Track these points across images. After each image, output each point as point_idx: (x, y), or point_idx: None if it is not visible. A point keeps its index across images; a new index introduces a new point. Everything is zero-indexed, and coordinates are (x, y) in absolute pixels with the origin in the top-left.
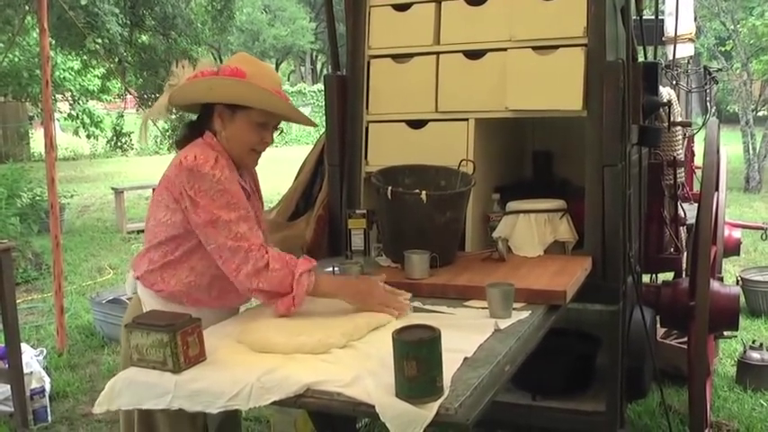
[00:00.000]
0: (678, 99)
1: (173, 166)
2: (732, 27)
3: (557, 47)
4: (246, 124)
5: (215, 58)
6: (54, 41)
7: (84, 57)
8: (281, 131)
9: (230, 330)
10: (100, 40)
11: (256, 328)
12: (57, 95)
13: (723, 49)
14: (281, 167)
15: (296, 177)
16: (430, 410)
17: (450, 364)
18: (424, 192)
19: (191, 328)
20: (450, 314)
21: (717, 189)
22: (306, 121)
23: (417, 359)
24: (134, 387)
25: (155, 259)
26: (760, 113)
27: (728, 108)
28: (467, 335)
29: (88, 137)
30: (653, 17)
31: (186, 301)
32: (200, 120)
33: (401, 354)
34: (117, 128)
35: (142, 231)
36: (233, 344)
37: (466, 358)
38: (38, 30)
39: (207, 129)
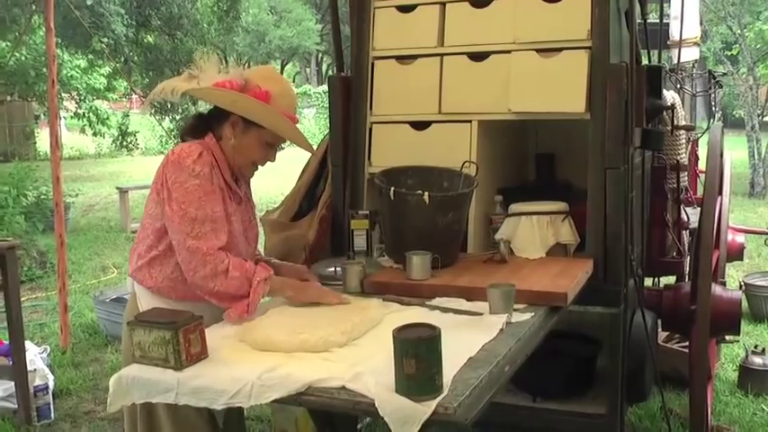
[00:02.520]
0: (683, 103)
1: (163, 160)
2: (739, 31)
3: (560, 49)
4: (257, 141)
5: (221, 60)
6: (60, 41)
7: (90, 56)
8: (283, 149)
9: (232, 329)
10: (105, 40)
11: (258, 326)
12: (63, 94)
13: (729, 54)
14: (284, 168)
15: (299, 178)
16: (429, 407)
17: (454, 364)
18: (426, 193)
19: (193, 326)
20: (479, 314)
21: (720, 193)
22: (308, 148)
23: (417, 357)
24: (139, 383)
25: (142, 254)
26: (766, 119)
27: (734, 113)
28: (473, 335)
29: (95, 134)
30: (658, 21)
31: (174, 296)
32: (211, 117)
33: (401, 352)
34: (122, 127)
35: None
36: (234, 342)
37: (470, 358)
38: (44, 29)
39: (212, 129)
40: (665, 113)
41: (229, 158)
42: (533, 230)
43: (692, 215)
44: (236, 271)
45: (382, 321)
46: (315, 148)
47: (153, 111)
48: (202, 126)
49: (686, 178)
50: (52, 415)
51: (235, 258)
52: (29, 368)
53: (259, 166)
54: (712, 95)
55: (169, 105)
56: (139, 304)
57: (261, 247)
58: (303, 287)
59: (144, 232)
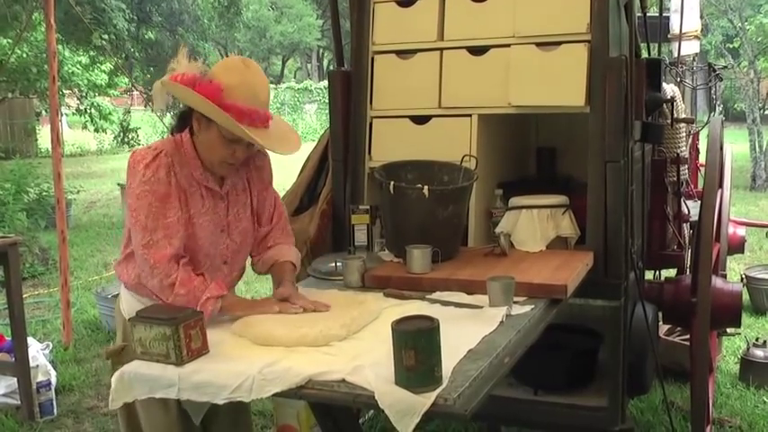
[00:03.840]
0: (683, 96)
1: None
2: (740, 24)
3: (560, 43)
4: (218, 137)
5: (221, 56)
6: (61, 37)
7: (92, 53)
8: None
9: (231, 325)
10: (107, 36)
11: (257, 321)
12: (64, 91)
13: (730, 47)
14: (285, 163)
15: (300, 173)
16: (428, 399)
17: (454, 356)
18: (426, 187)
19: (193, 321)
20: (479, 307)
21: (720, 186)
22: (278, 148)
23: (416, 349)
24: (141, 379)
25: (121, 250)
26: (767, 112)
27: (735, 106)
28: (473, 327)
29: (96, 130)
30: (658, 14)
31: (145, 293)
32: (188, 111)
33: (400, 344)
34: (124, 124)
35: None
36: (235, 337)
37: (470, 350)
38: (45, 25)
39: (190, 123)
40: (665, 106)
41: (201, 155)
42: (534, 224)
43: (692, 208)
44: (182, 288)
45: (382, 315)
46: (315, 143)
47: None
48: (183, 122)
49: (686, 171)
50: (55, 411)
51: (185, 273)
52: (31, 364)
53: (233, 164)
54: (712, 89)
55: (171, 101)
56: (120, 300)
57: None
58: (260, 304)
59: (124, 230)
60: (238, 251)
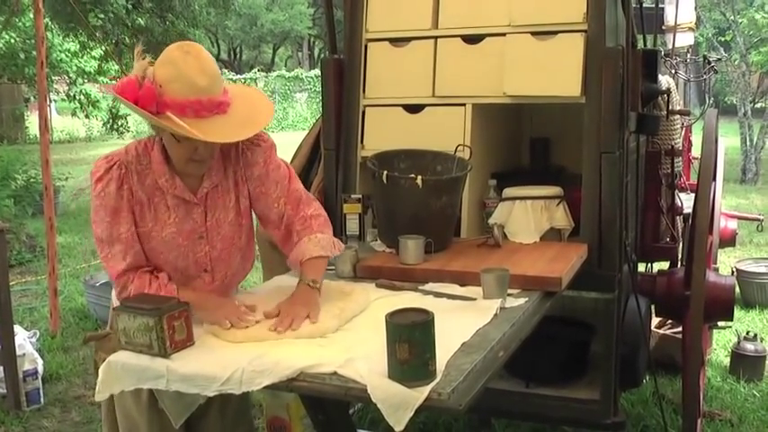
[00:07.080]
0: (676, 88)
1: None
2: (732, 18)
3: (556, 32)
4: (170, 136)
5: (212, 43)
6: (49, 22)
7: (82, 38)
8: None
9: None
10: (102, 16)
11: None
12: (53, 77)
13: (722, 40)
14: (277, 150)
15: (291, 161)
16: (422, 393)
17: (447, 350)
18: (419, 176)
19: (177, 313)
20: (472, 299)
21: (714, 179)
22: (229, 136)
23: (410, 342)
24: (129, 370)
25: None
26: (758, 105)
27: (726, 99)
28: (467, 320)
29: (87, 117)
30: (653, 5)
31: None
32: None
33: (394, 337)
34: (113, 110)
35: None
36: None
37: (464, 344)
38: (33, 10)
39: None
40: (660, 98)
41: (170, 156)
42: (527, 215)
43: (685, 201)
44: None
45: (375, 306)
46: (307, 131)
47: None
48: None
49: (680, 164)
50: (41, 400)
51: (139, 282)
52: (18, 353)
53: (199, 161)
54: (706, 81)
55: None
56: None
57: None
58: (215, 306)
59: None
60: (220, 258)
